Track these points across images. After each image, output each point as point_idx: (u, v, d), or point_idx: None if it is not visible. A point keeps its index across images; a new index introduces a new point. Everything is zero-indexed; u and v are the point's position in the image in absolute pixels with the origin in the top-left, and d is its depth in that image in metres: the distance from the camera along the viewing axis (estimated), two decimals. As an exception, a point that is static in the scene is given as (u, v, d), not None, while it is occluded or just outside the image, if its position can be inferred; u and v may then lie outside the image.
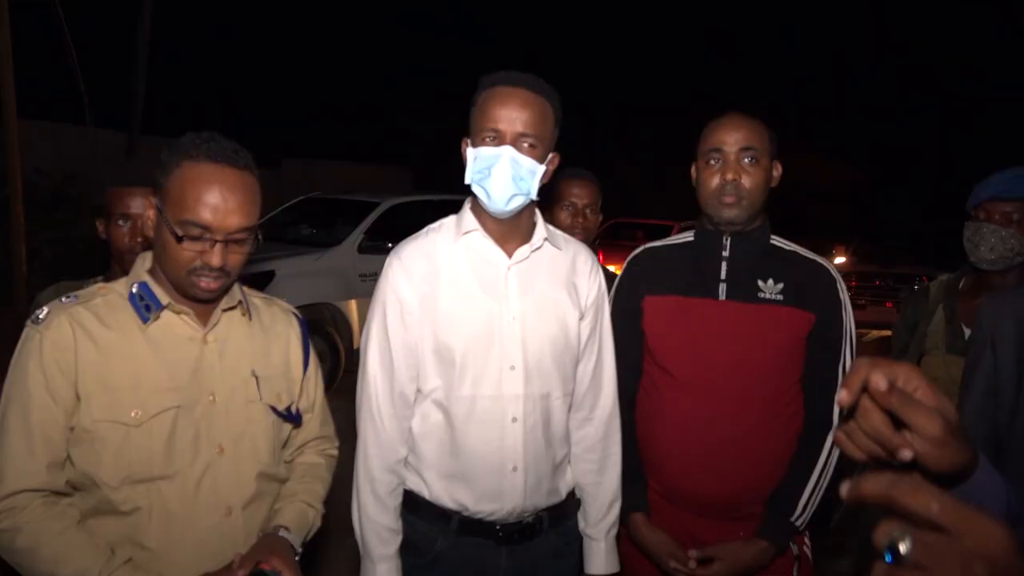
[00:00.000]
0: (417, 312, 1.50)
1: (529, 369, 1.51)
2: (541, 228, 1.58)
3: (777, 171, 1.70)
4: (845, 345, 1.66)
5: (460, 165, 1.51)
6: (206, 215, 1.25)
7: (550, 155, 1.50)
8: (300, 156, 16.37)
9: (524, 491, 1.52)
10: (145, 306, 1.32)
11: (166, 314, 1.34)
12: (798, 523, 1.61)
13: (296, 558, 1.41)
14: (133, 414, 1.27)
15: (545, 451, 1.54)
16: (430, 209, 7.20)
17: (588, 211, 2.29)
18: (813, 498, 1.61)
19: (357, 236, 6.58)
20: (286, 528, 1.44)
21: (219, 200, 1.26)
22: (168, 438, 1.30)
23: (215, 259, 1.27)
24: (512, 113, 1.43)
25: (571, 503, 1.64)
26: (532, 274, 1.55)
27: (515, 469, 1.51)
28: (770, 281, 1.65)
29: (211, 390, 1.36)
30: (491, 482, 1.50)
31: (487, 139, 1.45)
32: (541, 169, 1.48)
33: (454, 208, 1.62)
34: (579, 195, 2.28)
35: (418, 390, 1.54)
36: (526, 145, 1.45)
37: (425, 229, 1.61)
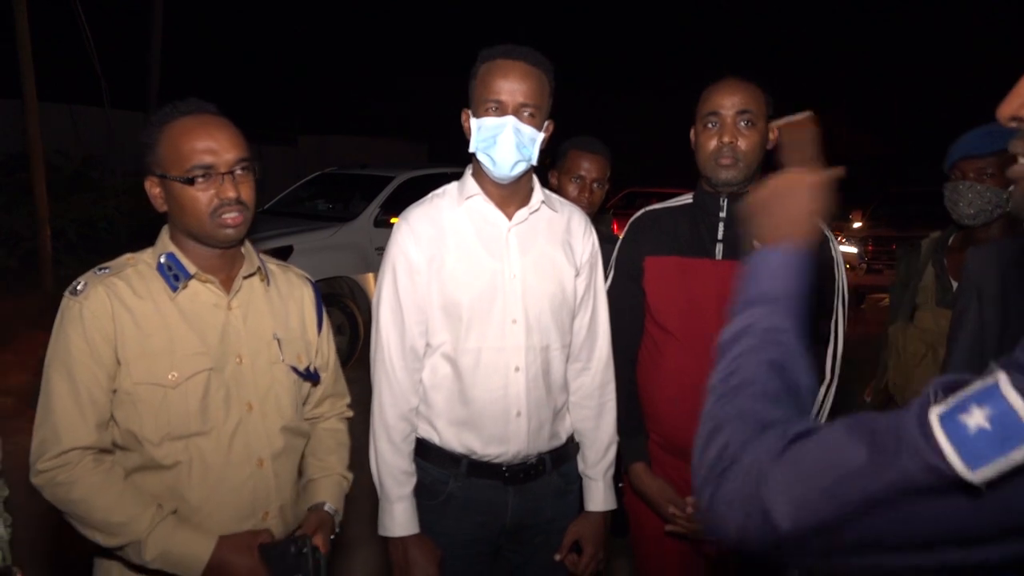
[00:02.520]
0: (425, 272, 1.60)
1: (530, 322, 1.61)
2: (538, 192, 1.67)
3: (773, 134, 1.74)
4: (837, 302, 1.72)
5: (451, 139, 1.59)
6: (206, 157, 1.35)
7: (547, 122, 1.59)
8: (315, 132, 16.49)
9: (527, 435, 1.63)
10: (174, 276, 1.41)
11: (193, 283, 1.43)
12: (793, 470, 1.68)
13: (334, 534, 1.56)
14: (170, 377, 1.37)
15: (546, 398, 1.65)
16: (443, 182, 7.21)
17: (595, 185, 2.35)
18: (807, 447, 1.68)
19: (373, 210, 6.67)
20: (331, 505, 1.58)
21: (210, 141, 1.36)
22: (202, 398, 1.40)
23: (229, 191, 1.36)
24: (513, 85, 1.52)
25: (571, 446, 1.75)
26: (531, 235, 1.65)
27: (519, 415, 1.61)
28: (765, 240, 1.71)
29: (238, 352, 1.45)
30: (497, 427, 1.61)
31: (490, 109, 1.54)
32: (541, 136, 1.57)
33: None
34: (588, 169, 2.33)
35: (427, 344, 1.64)
36: (527, 114, 1.54)
37: (430, 195, 1.70)
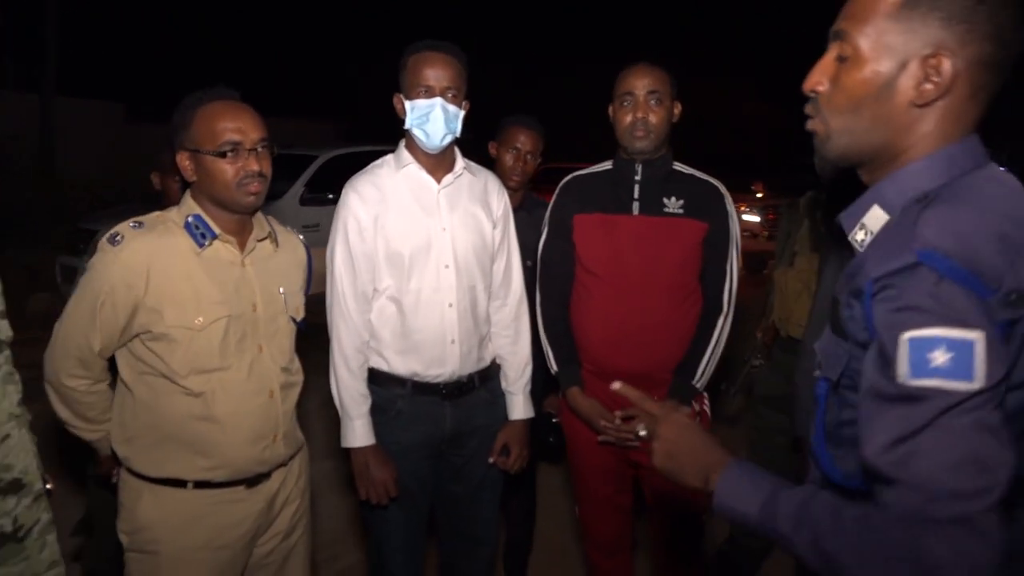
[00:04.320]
0: (371, 229, 1.92)
1: (459, 266, 1.96)
2: (460, 160, 2.02)
3: (677, 109, 2.09)
4: (732, 247, 2.10)
5: (387, 117, 1.90)
6: (235, 135, 1.61)
7: (464, 102, 1.93)
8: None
9: (460, 358, 1.98)
10: (200, 234, 1.65)
11: (216, 242, 1.68)
12: (698, 386, 2.07)
13: None
14: (197, 321, 1.62)
15: (474, 328, 2.00)
16: (365, 159, 7.36)
17: (529, 156, 2.64)
18: (708, 366, 2.07)
19: (298, 189, 6.80)
20: None
21: (239, 122, 1.63)
22: (222, 340, 1.65)
23: (253, 164, 1.63)
24: (438, 72, 1.87)
25: (494, 367, 2.11)
26: (456, 195, 2.00)
27: (453, 342, 1.96)
28: (673, 198, 2.07)
29: (252, 302, 1.72)
30: (435, 353, 1.95)
31: (421, 93, 1.88)
32: (461, 113, 1.92)
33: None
34: (524, 142, 2.61)
35: (375, 289, 1.95)
36: (450, 96, 1.89)
37: (371, 165, 2.02)
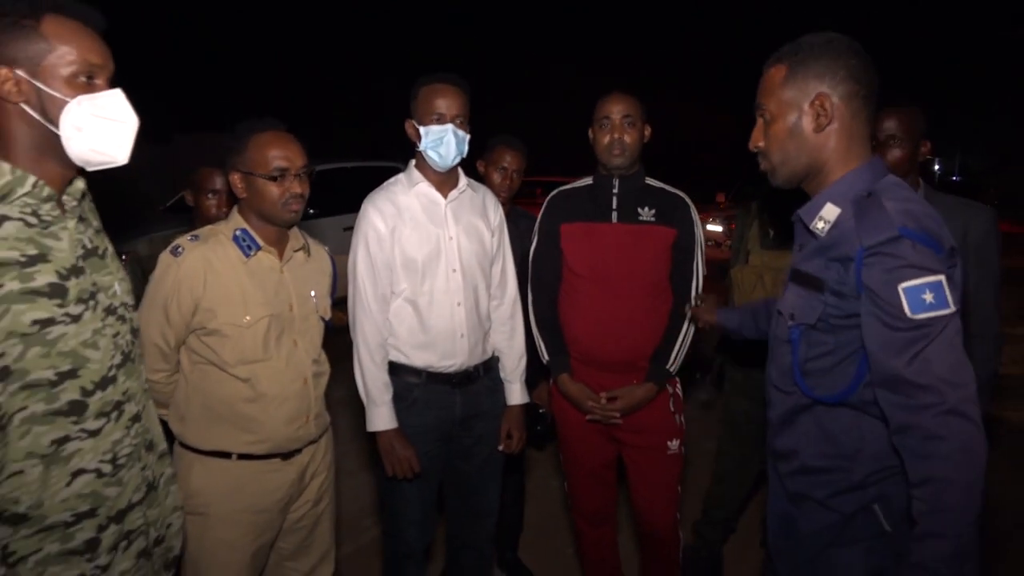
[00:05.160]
0: (389, 239, 2.20)
1: (465, 270, 2.25)
2: (463, 177, 2.32)
3: (647, 131, 2.41)
4: (697, 250, 2.42)
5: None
6: (284, 162, 1.91)
7: (468, 127, 2.22)
8: (191, 130, 16.03)
9: (468, 351, 2.27)
10: (247, 245, 1.94)
11: (260, 252, 1.96)
12: (671, 369, 2.38)
13: None
14: (245, 319, 1.90)
15: (478, 324, 2.30)
16: (342, 175, 7.61)
17: (515, 175, 2.92)
18: (680, 353, 2.38)
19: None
20: None
21: (287, 151, 1.92)
22: (264, 335, 1.93)
23: (297, 187, 1.92)
24: (449, 101, 2.16)
25: (493, 359, 2.41)
26: (461, 208, 2.29)
27: (462, 336, 2.25)
28: (646, 208, 2.39)
29: (289, 303, 1.99)
30: (448, 346, 2.24)
31: (434, 119, 2.16)
32: (467, 137, 2.21)
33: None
34: (510, 162, 2.88)
35: (392, 292, 2.23)
36: (459, 122, 2.18)
37: (385, 183, 2.31)
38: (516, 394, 2.42)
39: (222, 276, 1.91)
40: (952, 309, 1.26)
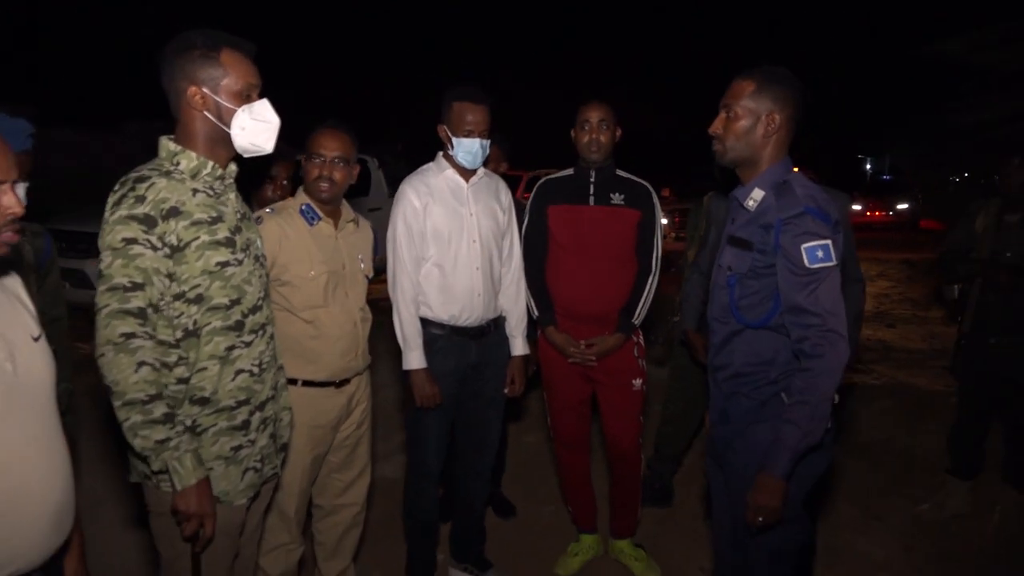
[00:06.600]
0: (421, 213, 2.74)
1: (482, 241, 2.80)
2: (481, 168, 2.85)
3: (619, 132, 3.00)
4: (657, 228, 3.03)
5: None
6: (322, 149, 2.46)
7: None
8: (139, 117, 15.83)
9: (483, 308, 2.82)
10: (310, 217, 2.46)
11: (320, 222, 2.49)
12: (636, 322, 2.99)
13: None
14: (311, 274, 2.43)
15: (492, 286, 2.85)
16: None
17: (503, 167, 3.51)
18: (643, 309, 2.99)
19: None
20: None
21: (328, 140, 2.47)
22: (324, 287, 2.46)
23: (330, 172, 2.46)
24: (478, 117, 2.70)
25: (501, 317, 2.96)
26: (479, 191, 2.84)
27: (479, 295, 2.80)
28: (617, 194, 2.98)
29: (342, 263, 2.52)
30: (467, 303, 2.79)
31: (466, 133, 2.69)
32: (488, 143, 2.76)
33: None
34: (494, 157, 3.43)
35: (423, 258, 2.76)
36: (484, 134, 2.72)
37: (419, 170, 2.85)
38: (519, 346, 2.98)
39: (292, 240, 2.43)
40: (835, 263, 1.86)
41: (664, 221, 13.30)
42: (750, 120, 1.98)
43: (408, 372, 2.75)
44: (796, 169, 2.05)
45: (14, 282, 1.49)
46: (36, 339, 1.45)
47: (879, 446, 4.61)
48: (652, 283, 3.01)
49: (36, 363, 1.42)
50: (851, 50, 23.81)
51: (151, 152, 1.80)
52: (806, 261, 1.85)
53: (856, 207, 20.93)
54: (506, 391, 2.96)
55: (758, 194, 2.01)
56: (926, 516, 3.68)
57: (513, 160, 3.87)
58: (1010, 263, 3.35)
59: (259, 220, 2.40)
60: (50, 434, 1.42)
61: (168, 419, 1.68)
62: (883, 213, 20.37)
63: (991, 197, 3.54)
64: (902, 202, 19.76)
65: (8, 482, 1.32)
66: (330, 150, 2.47)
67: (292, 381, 2.45)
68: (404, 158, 10.30)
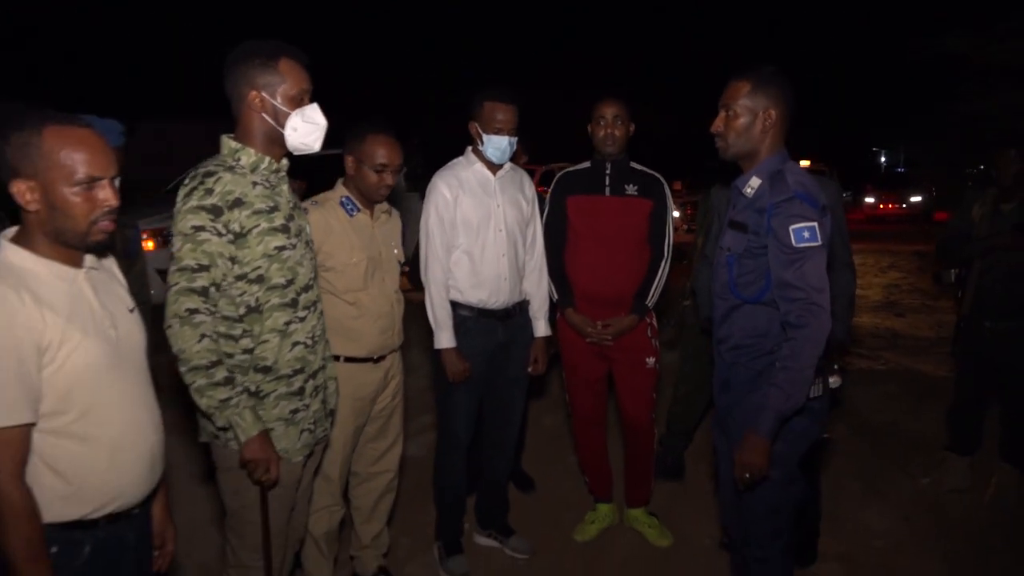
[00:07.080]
0: (452, 204, 2.96)
1: (508, 230, 3.02)
2: (507, 161, 3.06)
3: (632, 127, 3.21)
4: (668, 217, 3.24)
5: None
6: (384, 160, 2.65)
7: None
8: (152, 118, 15.93)
9: (509, 292, 3.04)
10: (350, 208, 2.69)
11: (359, 213, 2.71)
12: (649, 304, 3.20)
13: None
14: (353, 260, 2.66)
15: (517, 271, 3.07)
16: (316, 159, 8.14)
17: (524, 159, 3.74)
18: (656, 292, 3.20)
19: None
20: None
21: (389, 151, 2.66)
22: (364, 272, 2.69)
23: (390, 180, 2.68)
24: (508, 116, 2.91)
25: (525, 301, 3.17)
26: (505, 183, 3.05)
27: (505, 279, 3.02)
28: (631, 185, 3.20)
29: (378, 250, 2.75)
30: (494, 287, 3.01)
31: (496, 130, 2.90)
32: (516, 139, 2.96)
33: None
34: (517, 152, 3.68)
35: (453, 245, 2.98)
36: (513, 130, 2.93)
37: (449, 164, 3.06)
38: (541, 328, 3.20)
39: (335, 229, 2.66)
40: (820, 243, 2.03)
41: (676, 213, 13.54)
42: (748, 118, 2.18)
43: (439, 351, 2.98)
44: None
45: (111, 263, 1.74)
46: (131, 311, 1.70)
47: (883, 428, 4.80)
48: (664, 268, 3.22)
49: (133, 330, 1.68)
50: (865, 42, 23.87)
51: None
52: (793, 240, 2.03)
53: (869, 200, 21.02)
54: (529, 370, 3.18)
55: (755, 182, 2.20)
56: (926, 490, 3.88)
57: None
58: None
59: (305, 211, 2.62)
60: (145, 390, 1.68)
61: (228, 382, 1.94)
62: (896, 206, 20.43)
63: (987, 187, 3.72)
64: (916, 195, 19.82)
65: (115, 427, 1.57)
66: (393, 161, 2.68)
67: (335, 357, 2.68)
68: (419, 155, 10.51)
